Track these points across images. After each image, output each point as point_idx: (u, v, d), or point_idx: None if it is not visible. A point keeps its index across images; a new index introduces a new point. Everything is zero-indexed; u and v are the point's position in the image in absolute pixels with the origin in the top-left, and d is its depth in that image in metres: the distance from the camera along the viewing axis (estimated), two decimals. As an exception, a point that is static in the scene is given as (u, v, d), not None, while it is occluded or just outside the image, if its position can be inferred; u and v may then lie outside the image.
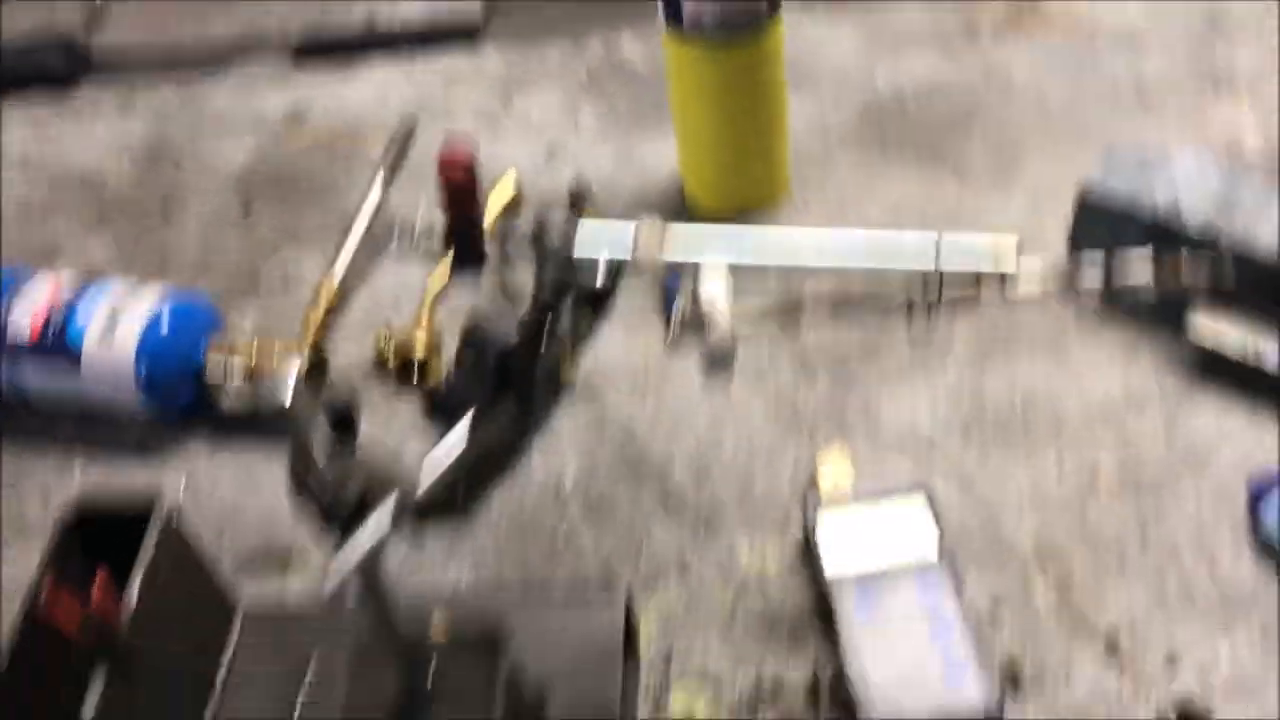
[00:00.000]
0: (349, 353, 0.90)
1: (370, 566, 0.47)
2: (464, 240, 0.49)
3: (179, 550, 0.63)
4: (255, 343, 0.84)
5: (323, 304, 0.89)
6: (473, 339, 0.45)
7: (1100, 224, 0.82)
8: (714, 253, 0.49)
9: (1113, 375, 0.81)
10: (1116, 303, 0.84)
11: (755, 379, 0.84)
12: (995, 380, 0.82)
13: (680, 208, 0.98)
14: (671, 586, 0.73)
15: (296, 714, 0.63)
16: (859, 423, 0.81)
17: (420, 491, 0.45)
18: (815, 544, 0.71)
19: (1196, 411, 0.78)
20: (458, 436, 0.49)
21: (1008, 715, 0.64)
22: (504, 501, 0.79)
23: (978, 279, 0.49)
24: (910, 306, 0.49)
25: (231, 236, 1.03)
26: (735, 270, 0.50)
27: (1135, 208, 0.79)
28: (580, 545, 0.76)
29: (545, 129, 1.10)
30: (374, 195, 0.96)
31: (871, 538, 0.71)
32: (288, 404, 0.77)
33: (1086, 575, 0.70)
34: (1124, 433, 0.78)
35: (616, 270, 0.50)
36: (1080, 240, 0.85)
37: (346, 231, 0.94)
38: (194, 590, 0.66)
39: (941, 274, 0.46)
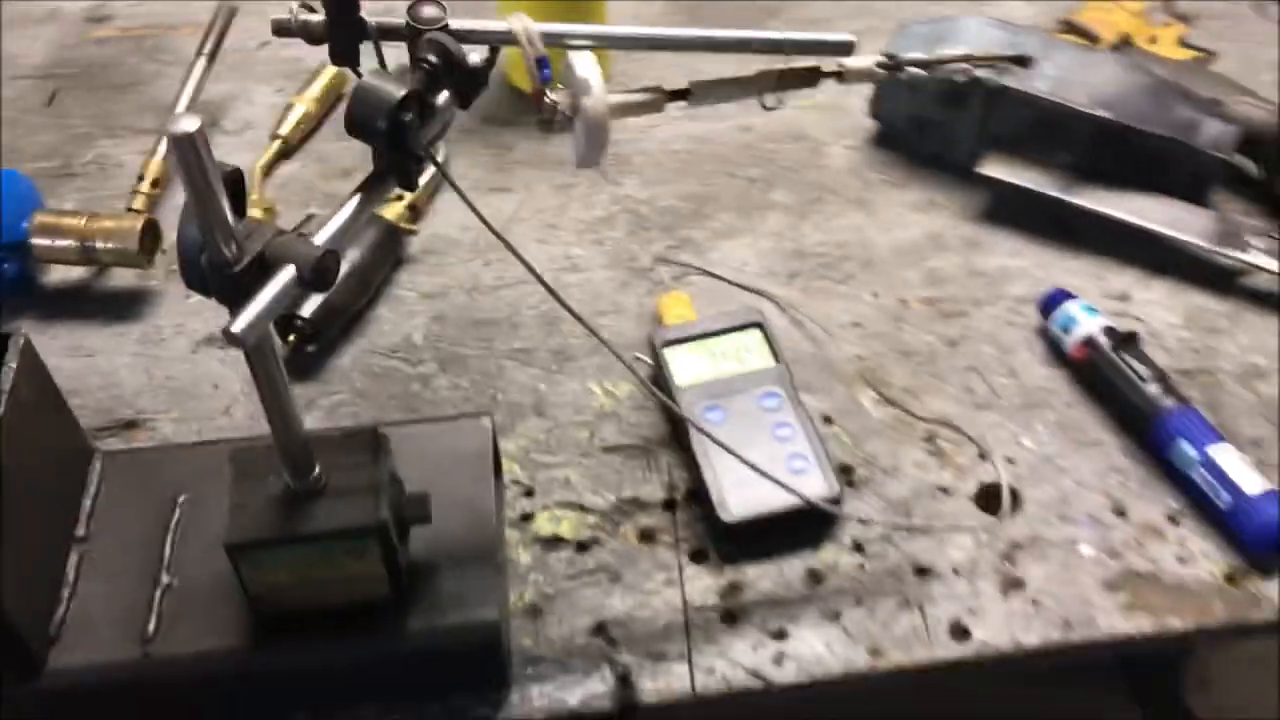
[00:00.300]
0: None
1: (265, 334, 0.48)
2: (344, 33, 0.50)
3: (38, 377, 0.62)
4: (85, 217, 0.81)
5: (149, 179, 0.87)
6: (359, 96, 0.47)
7: (900, 84, 0.90)
8: (585, 36, 0.52)
9: (916, 222, 0.90)
10: (916, 154, 0.93)
11: (593, 241, 0.89)
12: (813, 231, 0.89)
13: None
14: (530, 424, 0.77)
15: (167, 553, 0.63)
16: (693, 272, 0.86)
17: (320, 255, 0.46)
18: (665, 369, 0.75)
19: (990, 249, 0.87)
20: (346, 215, 0.50)
21: (847, 506, 0.71)
22: (355, 355, 0.81)
23: (817, 69, 0.54)
24: (761, 83, 0.53)
25: (39, 127, 0.99)
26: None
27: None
28: (437, 390, 0.79)
29: None
30: (194, 81, 0.95)
31: (715, 363, 0.76)
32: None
33: (906, 387, 0.78)
34: (928, 270, 0.86)
35: (491, 54, 0.53)
36: (882, 103, 0.93)
37: (168, 117, 0.92)
38: (54, 428, 0.65)
39: (791, 46, 0.51)
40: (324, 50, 1.00)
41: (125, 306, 0.84)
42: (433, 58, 0.50)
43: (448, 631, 0.61)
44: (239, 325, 0.45)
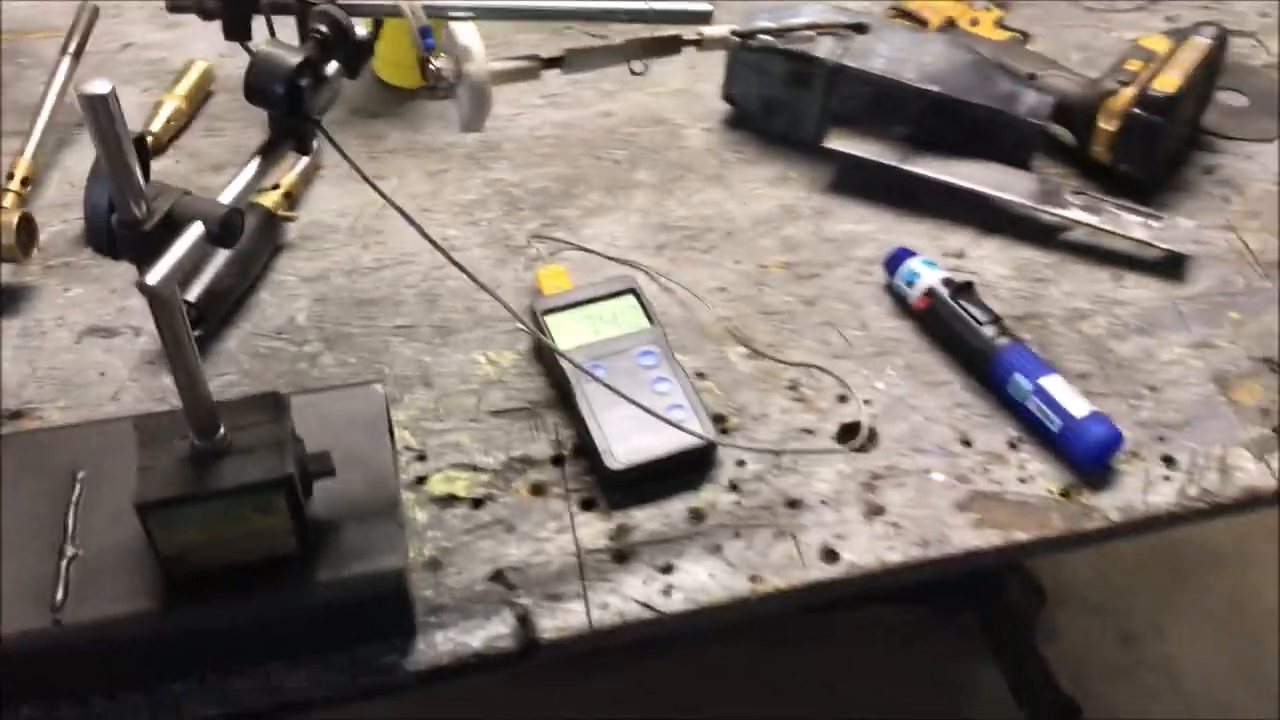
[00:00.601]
0: (53, 227, 0.90)
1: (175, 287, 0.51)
2: (237, 7, 0.52)
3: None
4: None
5: (19, 178, 0.87)
6: (258, 63, 0.50)
7: (749, 69, 0.97)
8: (465, 7, 0.56)
9: (771, 195, 0.96)
10: (767, 134, 1.00)
11: (469, 222, 0.93)
12: (677, 207, 0.95)
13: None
14: (419, 394, 0.80)
15: (70, 526, 0.65)
16: (567, 248, 0.91)
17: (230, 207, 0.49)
18: (547, 334, 0.80)
19: (839, 217, 0.94)
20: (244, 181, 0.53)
21: (722, 451, 0.77)
22: (241, 338, 0.83)
23: (678, 37, 0.59)
24: (629, 50, 0.58)
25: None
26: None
27: (775, 50, 0.94)
28: (325, 368, 0.81)
29: None
30: (59, 80, 0.95)
31: (594, 326, 0.81)
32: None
33: (770, 343, 0.84)
34: (784, 237, 0.92)
35: (376, 26, 0.56)
36: (733, 87, 1.00)
37: (34, 117, 0.92)
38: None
39: (654, 15, 0.56)
40: (190, 49, 1.03)
41: (3, 302, 0.84)
42: (324, 28, 0.53)
43: (354, 581, 0.64)
44: (154, 277, 0.48)
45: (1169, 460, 0.77)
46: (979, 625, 1.68)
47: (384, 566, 0.65)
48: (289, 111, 0.51)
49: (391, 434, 0.74)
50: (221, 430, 0.61)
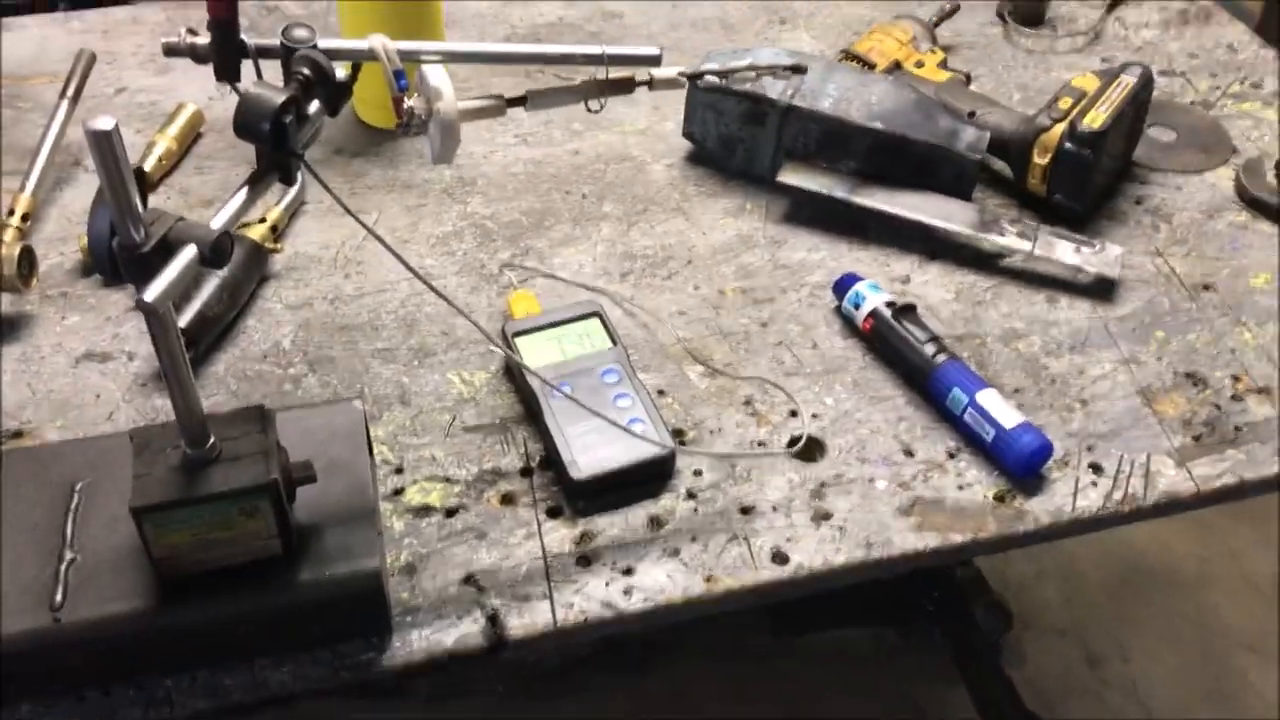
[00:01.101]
0: (51, 260, 0.95)
1: (169, 308, 0.56)
2: (227, 52, 0.58)
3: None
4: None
5: (20, 214, 0.93)
6: (246, 102, 0.56)
7: (707, 109, 1.03)
8: (435, 52, 0.62)
9: (728, 225, 1.02)
10: (726, 169, 1.06)
11: (445, 253, 0.99)
12: (641, 237, 1.01)
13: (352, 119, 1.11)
14: (396, 412, 0.85)
15: (69, 532, 0.69)
16: (537, 275, 0.96)
17: (219, 231, 0.54)
18: (515, 353, 0.85)
19: (793, 246, 1.00)
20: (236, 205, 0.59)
21: (680, 462, 0.82)
22: (229, 362, 0.88)
23: (632, 78, 0.65)
24: (586, 90, 0.64)
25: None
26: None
27: (730, 92, 1.01)
28: (308, 389, 0.87)
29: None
30: (58, 122, 1.00)
31: (561, 347, 0.86)
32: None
33: (726, 361, 0.90)
34: (741, 264, 0.98)
35: (354, 69, 0.62)
36: (692, 125, 1.06)
37: (34, 157, 0.98)
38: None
39: (608, 58, 0.62)
40: (180, 93, 1.09)
41: (4, 329, 0.90)
42: (306, 71, 0.59)
43: (334, 582, 0.69)
44: (151, 294, 0.53)
45: (1096, 468, 0.83)
46: (947, 647, 1.73)
47: (362, 568, 0.70)
48: (275, 146, 0.57)
49: (370, 447, 0.79)
50: (211, 440, 0.66)
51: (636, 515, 0.79)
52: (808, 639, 1.71)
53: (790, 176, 1.01)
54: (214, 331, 0.88)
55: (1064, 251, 0.97)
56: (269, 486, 0.65)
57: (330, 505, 0.72)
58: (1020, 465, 0.81)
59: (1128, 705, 1.72)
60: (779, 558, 0.77)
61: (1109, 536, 1.66)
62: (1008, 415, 0.82)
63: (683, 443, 0.84)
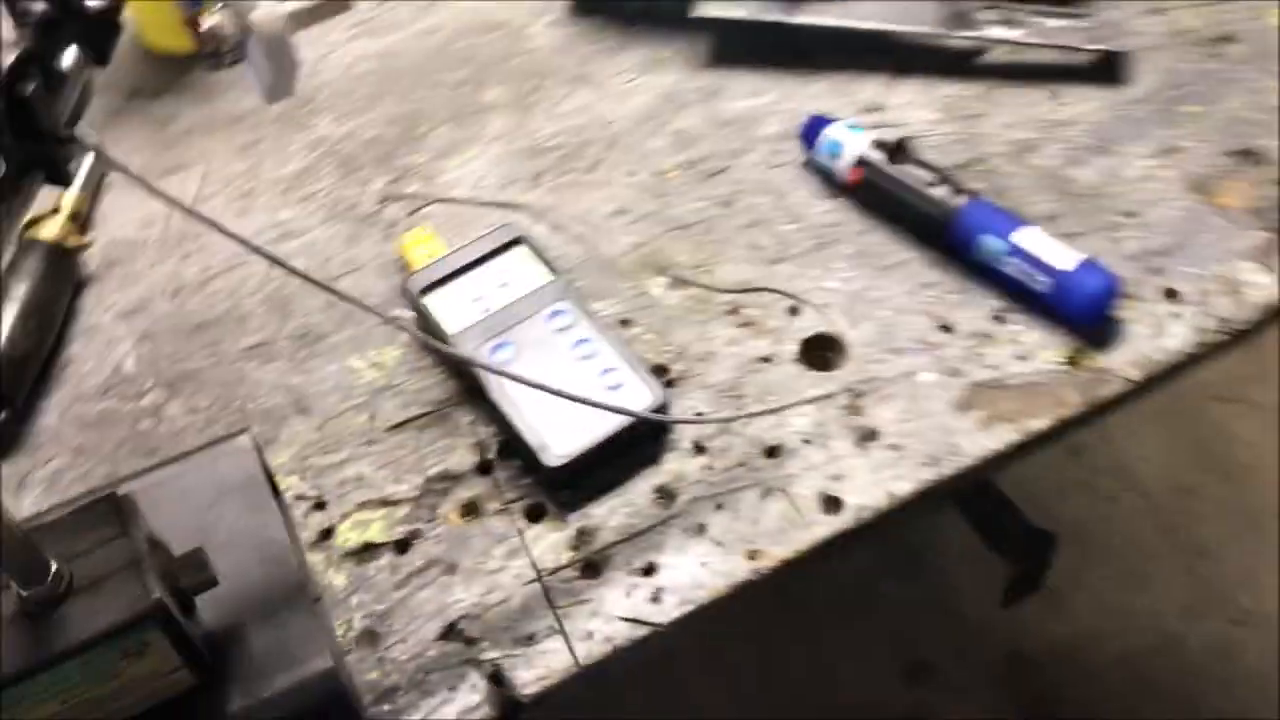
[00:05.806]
0: None
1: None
2: None
3: None
4: None
5: None
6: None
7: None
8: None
9: (646, 85, 0.82)
10: (622, 13, 0.85)
11: (301, 198, 0.77)
12: (543, 123, 0.80)
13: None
14: (295, 426, 0.65)
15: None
16: (427, 202, 0.76)
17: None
18: (431, 320, 0.65)
19: (731, 95, 0.81)
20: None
21: (675, 408, 0.64)
22: (61, 408, 0.67)
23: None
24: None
25: None
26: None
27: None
28: (173, 421, 0.66)
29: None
30: None
31: (485, 294, 0.67)
32: None
33: (693, 263, 0.71)
34: (675, 132, 0.79)
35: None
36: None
37: None
38: None
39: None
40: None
41: None
42: (41, 5, 0.37)
43: (279, 699, 0.51)
44: None
45: (1171, 294, 0.67)
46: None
47: (309, 671, 0.51)
48: (20, 133, 0.35)
49: (276, 491, 0.59)
50: (54, 567, 0.46)
51: (639, 491, 0.61)
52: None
53: (708, 6, 0.80)
54: (28, 375, 0.66)
55: (1054, 31, 0.79)
56: (152, 612, 0.46)
57: (245, 593, 0.53)
58: (1089, 313, 0.65)
59: (1119, 486, 1.65)
60: (830, 504, 0.60)
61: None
62: (1060, 255, 0.65)
63: (669, 383, 0.65)
